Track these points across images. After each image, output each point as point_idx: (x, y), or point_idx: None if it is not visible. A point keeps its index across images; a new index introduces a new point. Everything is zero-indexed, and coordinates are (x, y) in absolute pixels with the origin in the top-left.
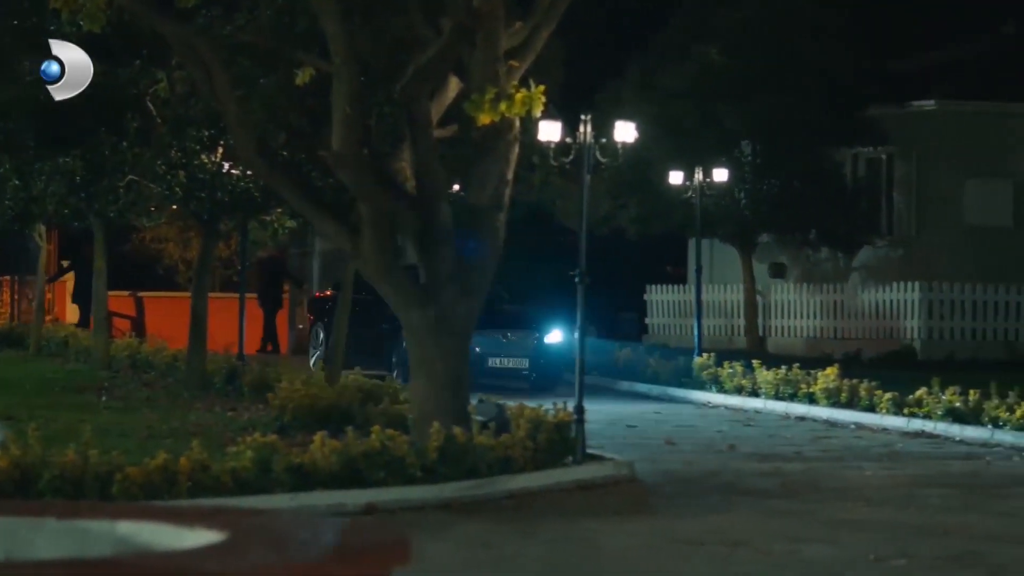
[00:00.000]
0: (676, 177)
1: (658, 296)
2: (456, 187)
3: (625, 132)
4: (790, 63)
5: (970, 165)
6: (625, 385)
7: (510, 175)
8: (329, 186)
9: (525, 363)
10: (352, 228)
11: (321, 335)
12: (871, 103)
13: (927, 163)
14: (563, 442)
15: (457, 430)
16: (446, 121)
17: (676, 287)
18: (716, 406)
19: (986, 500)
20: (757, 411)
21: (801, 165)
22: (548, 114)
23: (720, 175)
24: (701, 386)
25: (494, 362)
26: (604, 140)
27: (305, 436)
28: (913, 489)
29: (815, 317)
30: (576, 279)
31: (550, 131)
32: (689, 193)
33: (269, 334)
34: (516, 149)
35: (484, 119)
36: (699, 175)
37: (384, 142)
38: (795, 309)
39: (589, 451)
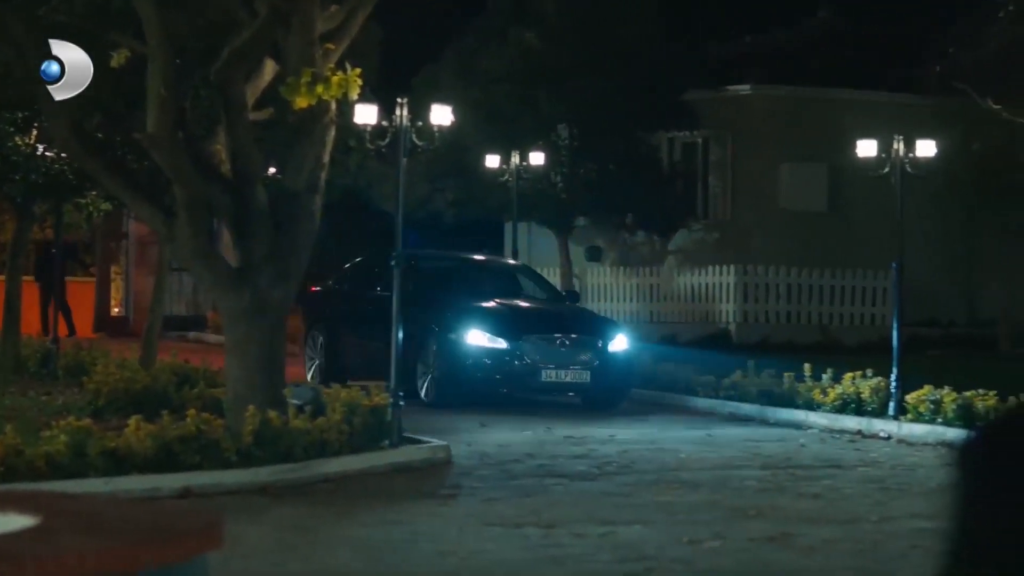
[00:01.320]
0: (493, 161)
1: None
2: (272, 170)
3: (441, 115)
4: (607, 48)
5: (785, 149)
6: None
7: (326, 158)
8: (144, 169)
9: (586, 376)
10: (167, 211)
11: (320, 340)
12: (687, 88)
13: (742, 147)
14: (379, 425)
15: (272, 413)
16: (262, 104)
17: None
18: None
19: (798, 482)
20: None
21: (618, 149)
22: (364, 97)
23: (537, 159)
24: None
25: (548, 375)
26: (420, 123)
27: (120, 420)
28: (728, 471)
29: (631, 300)
30: (392, 263)
31: (366, 114)
32: (506, 177)
33: (64, 316)
34: (332, 132)
35: (300, 102)
36: (516, 159)
37: (199, 125)
38: (611, 292)
39: (406, 434)
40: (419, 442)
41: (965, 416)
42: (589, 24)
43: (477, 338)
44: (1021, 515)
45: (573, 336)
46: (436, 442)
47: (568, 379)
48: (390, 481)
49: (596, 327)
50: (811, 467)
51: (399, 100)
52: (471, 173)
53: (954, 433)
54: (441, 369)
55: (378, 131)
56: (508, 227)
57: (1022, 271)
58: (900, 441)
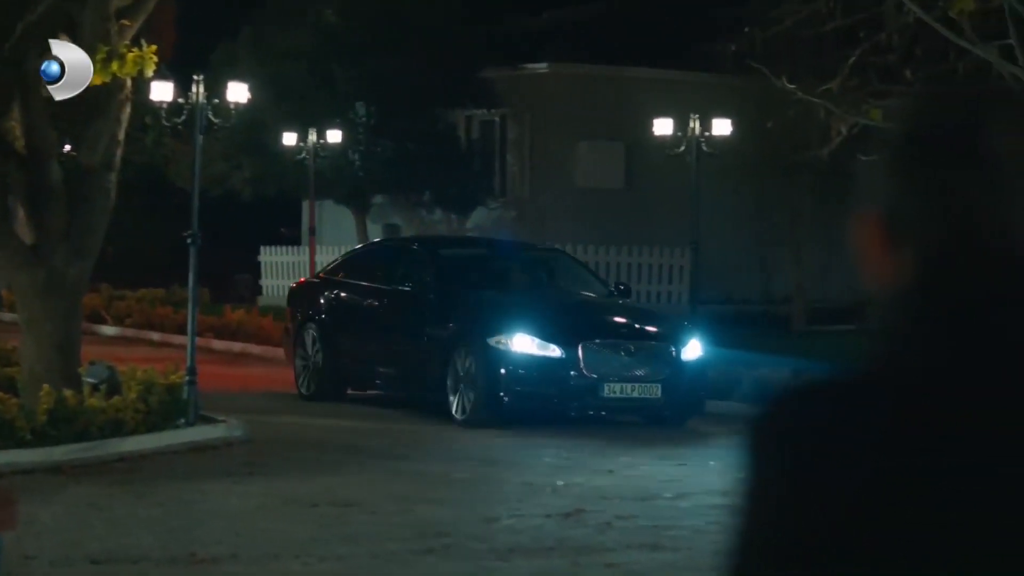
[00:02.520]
0: (290, 138)
1: (272, 257)
2: (67, 147)
3: (238, 93)
4: (405, 25)
5: (582, 127)
6: (238, 347)
7: (122, 135)
8: None
9: (657, 390)
10: None
11: (314, 341)
12: (485, 66)
13: (540, 125)
14: (175, 404)
15: (68, 392)
16: None
17: (290, 248)
18: None
19: (595, 459)
20: None
21: (415, 127)
22: (160, 74)
23: (334, 137)
24: None
25: (612, 389)
26: (217, 101)
27: None
28: (525, 450)
29: None
30: (188, 240)
31: (162, 91)
32: (303, 154)
33: None
34: (128, 109)
35: (96, 79)
36: (313, 136)
37: None
38: None
39: (203, 413)
40: (214, 421)
41: (760, 393)
42: (387, 2)
43: (524, 344)
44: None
45: (640, 341)
46: (232, 420)
47: (636, 394)
48: (186, 460)
49: (665, 329)
50: (609, 444)
51: (195, 77)
52: (268, 151)
53: (748, 409)
54: (480, 383)
55: (174, 108)
56: (305, 205)
57: (815, 249)
58: None
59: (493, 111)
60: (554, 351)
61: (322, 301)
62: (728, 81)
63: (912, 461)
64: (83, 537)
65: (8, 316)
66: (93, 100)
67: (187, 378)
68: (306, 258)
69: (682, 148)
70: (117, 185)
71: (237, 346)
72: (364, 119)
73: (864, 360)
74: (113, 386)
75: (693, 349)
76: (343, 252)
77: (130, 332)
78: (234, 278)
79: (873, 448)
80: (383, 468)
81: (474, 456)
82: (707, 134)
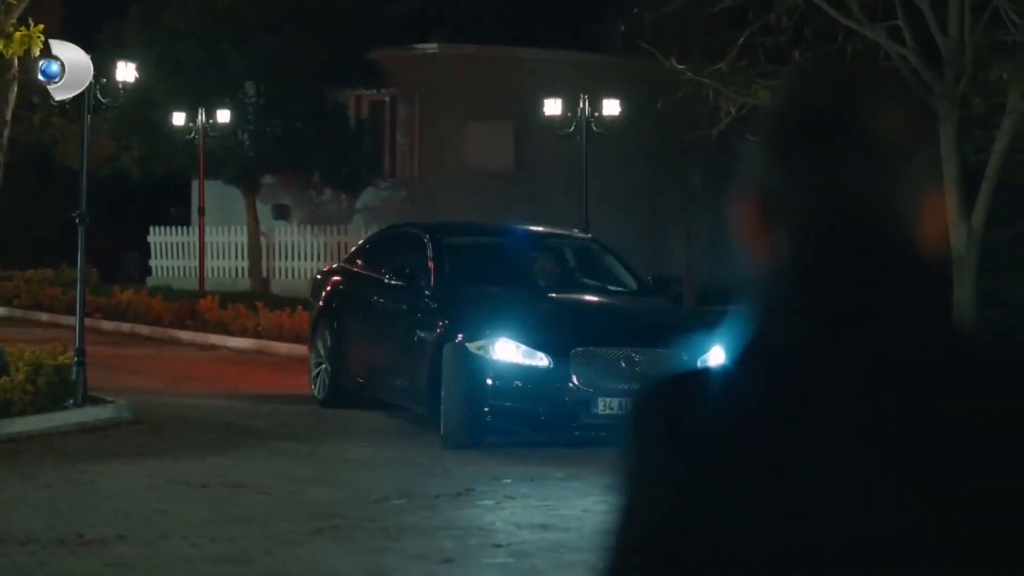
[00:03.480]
0: (179, 118)
1: (161, 238)
2: None
3: (126, 72)
4: (295, 4)
5: (471, 108)
6: (127, 327)
7: (8, 115)
8: None
9: None
10: None
11: (328, 340)
12: (374, 45)
13: (429, 105)
14: (64, 385)
15: None
16: None
17: (180, 229)
18: (220, 347)
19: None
20: (261, 352)
21: (304, 107)
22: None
23: (224, 116)
24: (205, 328)
25: (608, 405)
26: (105, 80)
27: None
28: (420, 427)
29: (319, 258)
30: (77, 221)
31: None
32: (192, 134)
33: None
34: (15, 89)
35: None
36: (203, 116)
37: None
38: (299, 250)
39: (92, 394)
40: (103, 401)
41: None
42: None
43: (507, 351)
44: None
45: (647, 348)
46: (121, 401)
47: None
48: (75, 441)
49: (682, 333)
50: None
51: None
52: (157, 130)
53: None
54: (454, 395)
55: None
56: (195, 185)
57: (703, 229)
58: None
59: (382, 91)
60: (541, 360)
61: (334, 293)
62: (618, 61)
63: (786, 437)
64: None
65: None
66: None
67: (76, 359)
68: (195, 238)
69: (572, 128)
70: (4, 166)
71: (126, 326)
72: (254, 99)
73: (743, 339)
74: (1, 367)
75: (716, 358)
76: (231, 232)
77: (18, 313)
78: (123, 258)
79: (748, 425)
80: (275, 449)
81: (366, 437)
82: (597, 114)
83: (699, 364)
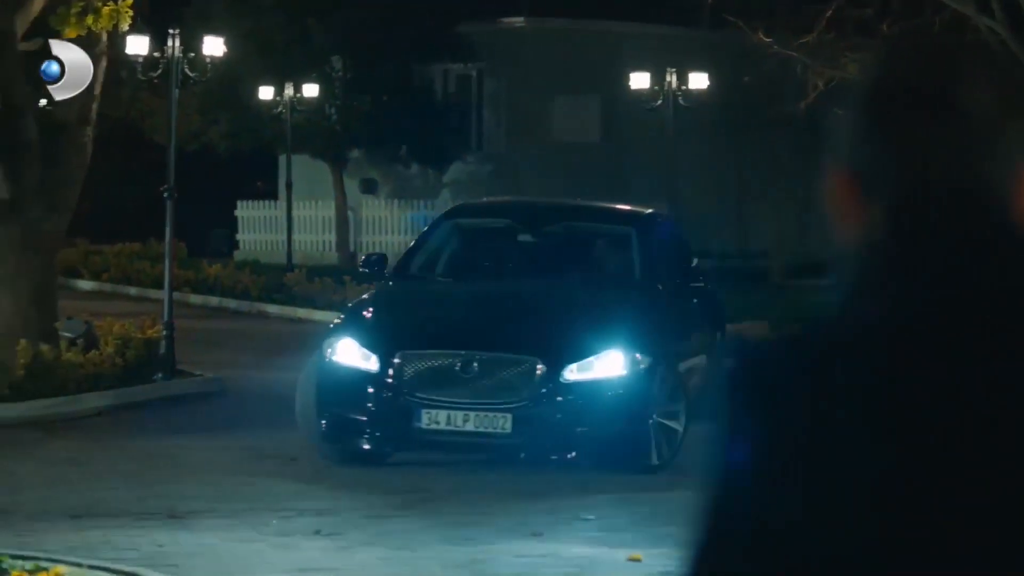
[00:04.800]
0: (266, 93)
1: (249, 212)
2: (43, 102)
3: (214, 47)
4: None
5: (559, 81)
6: (215, 301)
7: (97, 90)
8: None
9: (505, 422)
10: None
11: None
12: (462, 19)
13: (517, 80)
14: (152, 358)
15: (45, 347)
16: (32, 34)
17: (267, 203)
18: (307, 321)
19: None
20: None
21: (391, 81)
22: (136, 28)
23: (311, 91)
24: (292, 302)
25: (433, 418)
26: (193, 55)
27: None
28: None
29: (406, 233)
30: (165, 195)
31: (138, 45)
32: (279, 109)
33: None
34: (103, 64)
35: (70, 32)
36: (290, 91)
37: None
38: (386, 225)
39: (180, 367)
40: (191, 375)
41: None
42: None
43: (346, 352)
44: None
45: (494, 353)
46: (208, 375)
47: (469, 426)
48: (163, 414)
49: (560, 337)
50: None
51: (171, 31)
52: (245, 105)
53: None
54: (305, 400)
55: (150, 62)
56: (282, 159)
57: (791, 203)
58: None
59: (470, 65)
60: (372, 362)
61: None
62: (705, 35)
63: (888, 411)
64: (61, 492)
65: None
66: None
67: (164, 333)
68: (283, 212)
69: (659, 102)
70: (93, 140)
71: (214, 300)
72: (340, 73)
73: (837, 314)
74: (90, 341)
75: (600, 367)
76: (318, 207)
77: (107, 287)
78: (211, 232)
79: (848, 399)
80: None
81: None
82: (684, 88)
83: (565, 373)
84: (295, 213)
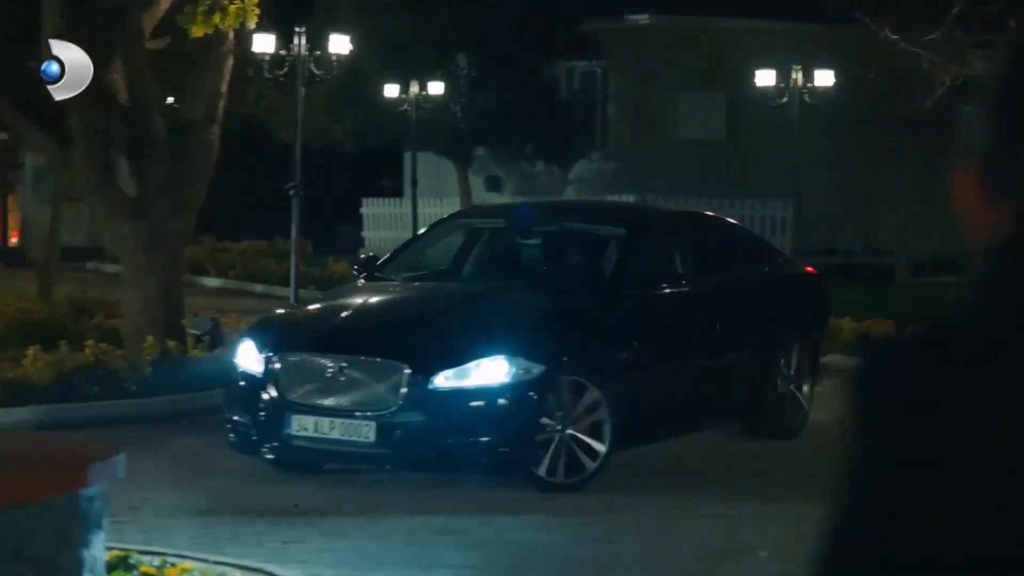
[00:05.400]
0: (392, 90)
1: (374, 209)
2: (170, 100)
3: (340, 45)
4: None
5: (683, 79)
6: None
7: (224, 88)
8: (40, 97)
9: (369, 430)
10: (63, 140)
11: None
12: (586, 17)
13: (641, 77)
14: None
15: (171, 344)
16: (159, 33)
17: (392, 200)
18: None
19: None
20: None
21: (516, 78)
22: (262, 26)
23: (436, 88)
24: None
25: (301, 425)
26: (319, 53)
27: (18, 351)
28: None
29: None
30: (291, 192)
31: (264, 43)
32: (405, 106)
33: None
34: (230, 61)
35: (197, 31)
36: (415, 88)
37: (96, 53)
38: None
39: None
40: None
41: (864, 346)
42: None
43: (246, 355)
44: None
45: (364, 356)
46: None
47: (334, 434)
48: None
49: (439, 341)
50: None
51: (297, 29)
52: (370, 102)
53: (852, 361)
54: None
55: (276, 60)
56: (407, 157)
57: (917, 200)
58: None
59: (595, 62)
60: (259, 365)
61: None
62: (831, 31)
63: (1013, 412)
64: (187, 488)
65: (112, 268)
66: (195, 52)
67: None
68: (408, 210)
69: (784, 99)
70: (219, 138)
71: None
72: (466, 71)
73: (965, 311)
74: (216, 338)
75: (482, 373)
76: (443, 204)
77: (233, 284)
78: (336, 230)
79: (978, 399)
80: None
81: None
82: (809, 85)
83: (436, 380)
84: (420, 210)
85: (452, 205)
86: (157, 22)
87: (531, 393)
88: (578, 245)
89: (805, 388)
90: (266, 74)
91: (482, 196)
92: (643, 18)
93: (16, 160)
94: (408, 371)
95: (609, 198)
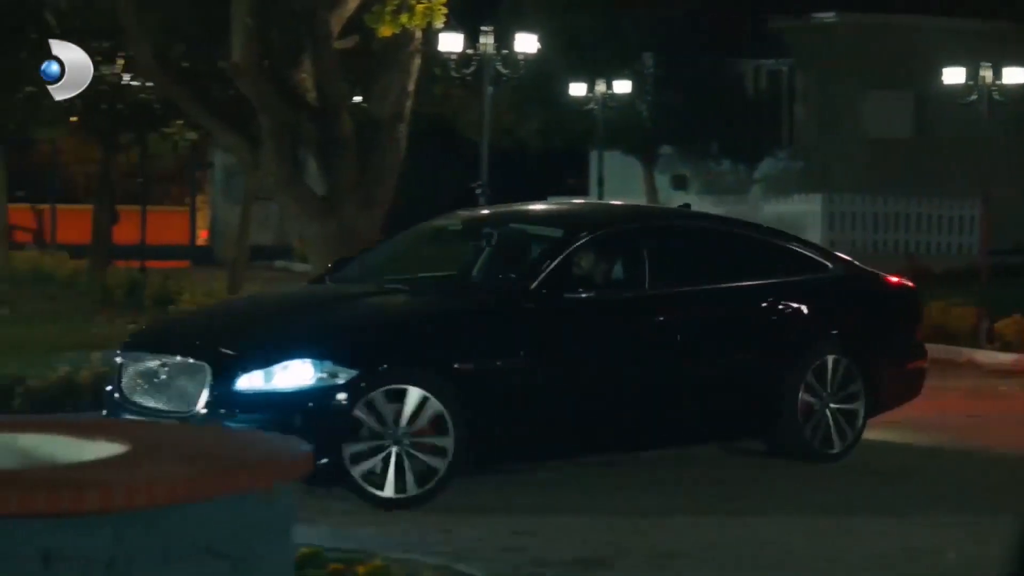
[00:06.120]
0: (578, 89)
1: None
2: (357, 99)
3: (527, 44)
4: None
5: (871, 77)
6: None
7: (411, 87)
8: (229, 97)
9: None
10: (252, 140)
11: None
12: (773, 15)
13: (829, 75)
14: None
15: None
16: (347, 32)
17: (578, 199)
18: None
19: None
20: None
21: (703, 77)
22: (449, 25)
23: (622, 87)
24: None
25: None
26: (506, 52)
27: None
28: None
29: None
30: (478, 191)
31: (451, 42)
32: (591, 105)
33: None
34: (417, 61)
35: (385, 30)
36: (601, 87)
37: (284, 53)
38: None
39: None
40: None
41: None
42: None
43: (125, 351)
44: None
45: (173, 358)
46: None
47: None
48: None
49: (245, 341)
50: None
51: (484, 28)
52: (555, 101)
53: None
54: None
55: (463, 59)
56: (593, 156)
57: None
58: (990, 371)
59: (781, 61)
60: (115, 363)
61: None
62: (1020, 28)
63: None
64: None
65: (300, 267)
66: (383, 52)
67: None
68: None
69: (973, 97)
70: (407, 136)
71: None
72: (651, 69)
73: None
74: None
75: (288, 375)
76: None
77: None
78: None
79: None
80: None
81: None
82: (999, 83)
83: (239, 382)
84: None
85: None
86: (345, 22)
87: (341, 399)
88: (513, 247)
89: (853, 406)
90: (453, 73)
91: (668, 195)
92: (829, 16)
93: (206, 160)
94: (212, 372)
95: (795, 197)
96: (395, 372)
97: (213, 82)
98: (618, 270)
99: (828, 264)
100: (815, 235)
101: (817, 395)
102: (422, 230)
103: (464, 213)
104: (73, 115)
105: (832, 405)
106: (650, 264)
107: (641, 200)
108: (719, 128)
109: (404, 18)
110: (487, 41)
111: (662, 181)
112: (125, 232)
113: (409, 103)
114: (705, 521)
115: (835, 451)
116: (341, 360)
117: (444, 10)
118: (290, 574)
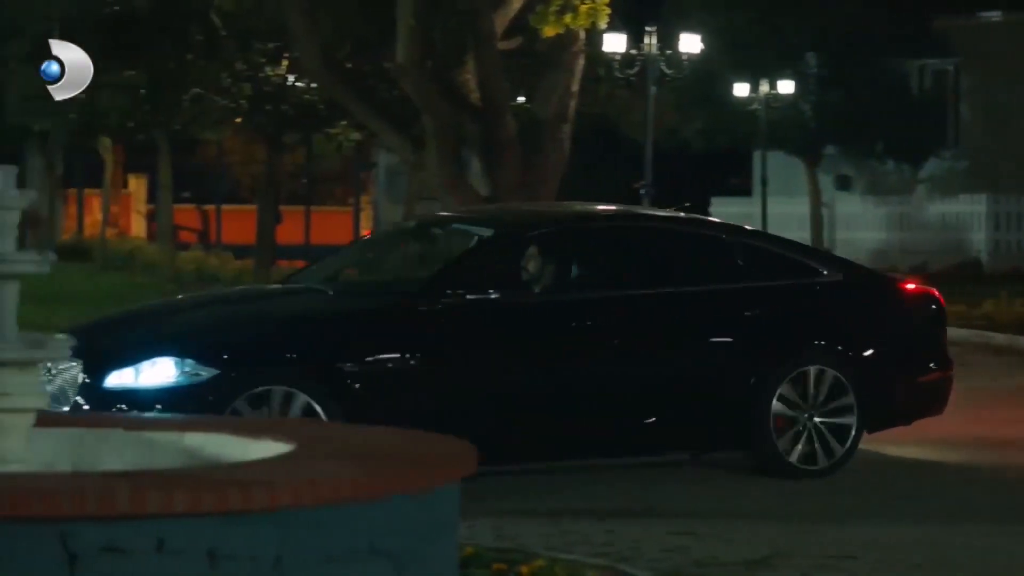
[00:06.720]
0: (741, 89)
1: (723, 209)
2: (521, 99)
3: (690, 44)
4: None
5: None
6: None
7: (575, 87)
8: (394, 98)
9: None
10: (416, 140)
11: None
12: (937, 14)
13: (994, 74)
14: None
15: None
16: (511, 33)
17: (741, 199)
18: None
19: None
20: None
21: (866, 77)
22: (613, 26)
23: (785, 87)
24: None
25: None
26: (669, 52)
27: None
28: None
29: (880, 229)
30: (641, 191)
31: (615, 43)
32: (754, 105)
33: None
34: (581, 61)
35: (549, 31)
36: (764, 87)
37: (449, 54)
38: (860, 221)
39: None
40: None
41: None
42: None
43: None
44: None
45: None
46: None
47: None
48: None
49: (119, 339)
50: None
51: (647, 28)
52: (719, 102)
53: None
54: None
55: (627, 60)
56: (756, 156)
57: None
58: None
59: (946, 60)
60: None
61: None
62: None
63: None
64: (539, 487)
65: None
66: (547, 52)
67: None
68: (757, 209)
69: None
70: (570, 137)
71: None
72: (814, 69)
73: None
74: None
75: (152, 373)
76: (792, 203)
77: None
78: None
79: None
80: None
81: None
82: None
83: (108, 380)
84: (770, 209)
85: (801, 204)
86: (509, 22)
87: (206, 398)
88: (444, 248)
89: (844, 420)
90: (617, 73)
91: (831, 195)
92: (995, 15)
93: (370, 160)
94: (82, 369)
95: (960, 197)
96: (259, 372)
97: (378, 83)
98: (549, 272)
99: (822, 270)
100: (980, 236)
101: (795, 407)
102: (392, 230)
103: (424, 214)
104: (238, 116)
105: (816, 419)
106: (578, 266)
107: (804, 201)
108: (883, 128)
109: (568, 18)
110: (651, 41)
111: (825, 181)
112: (289, 232)
113: (573, 103)
114: (868, 524)
115: (818, 467)
116: (203, 359)
117: (608, 10)
118: (454, 574)
